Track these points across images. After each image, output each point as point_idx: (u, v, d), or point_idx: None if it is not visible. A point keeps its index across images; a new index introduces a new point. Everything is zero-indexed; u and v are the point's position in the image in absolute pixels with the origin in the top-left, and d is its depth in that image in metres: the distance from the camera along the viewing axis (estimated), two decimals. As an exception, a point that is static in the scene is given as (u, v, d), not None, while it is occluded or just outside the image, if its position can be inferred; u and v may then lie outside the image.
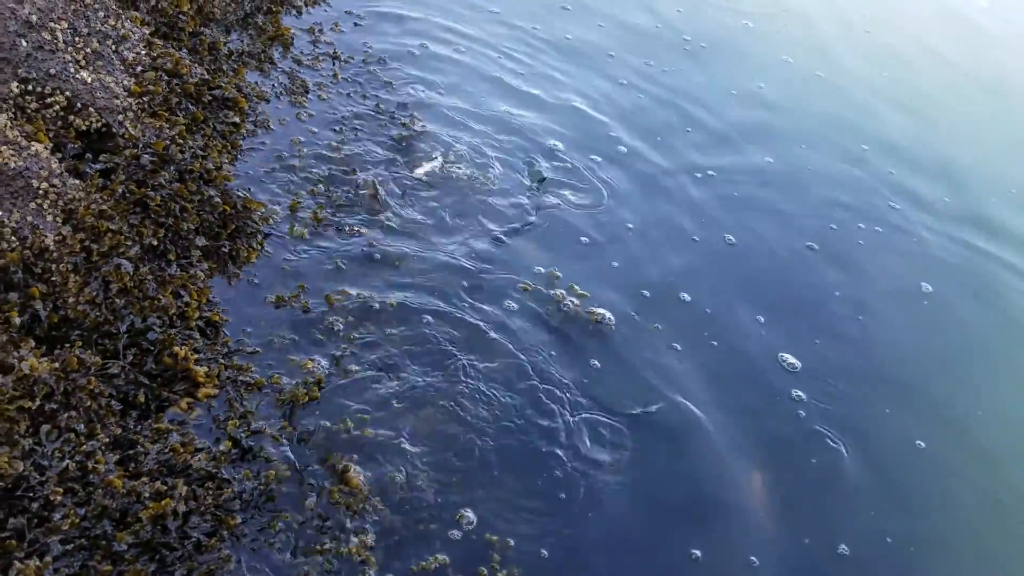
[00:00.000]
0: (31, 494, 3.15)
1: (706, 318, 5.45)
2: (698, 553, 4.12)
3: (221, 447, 3.80)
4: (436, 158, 5.99)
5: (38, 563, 2.97)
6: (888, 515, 4.52)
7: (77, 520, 3.18)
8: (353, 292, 4.84)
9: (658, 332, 5.21)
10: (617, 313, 5.23)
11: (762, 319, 5.53)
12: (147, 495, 3.38)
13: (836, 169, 7.44)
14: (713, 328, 5.37)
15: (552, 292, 5.25)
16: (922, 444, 4.99)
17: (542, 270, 5.43)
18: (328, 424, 4.13)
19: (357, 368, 4.45)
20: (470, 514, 3.98)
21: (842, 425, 4.92)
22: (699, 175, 6.85)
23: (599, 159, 6.69)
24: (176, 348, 3.92)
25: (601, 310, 5.18)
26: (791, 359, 5.29)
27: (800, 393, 5.06)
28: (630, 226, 6.07)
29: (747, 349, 5.27)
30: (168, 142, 4.63)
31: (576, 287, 5.32)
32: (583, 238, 5.84)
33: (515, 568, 3.83)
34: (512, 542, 3.93)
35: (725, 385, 4.98)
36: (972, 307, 6.23)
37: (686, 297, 5.58)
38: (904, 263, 6.48)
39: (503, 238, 5.58)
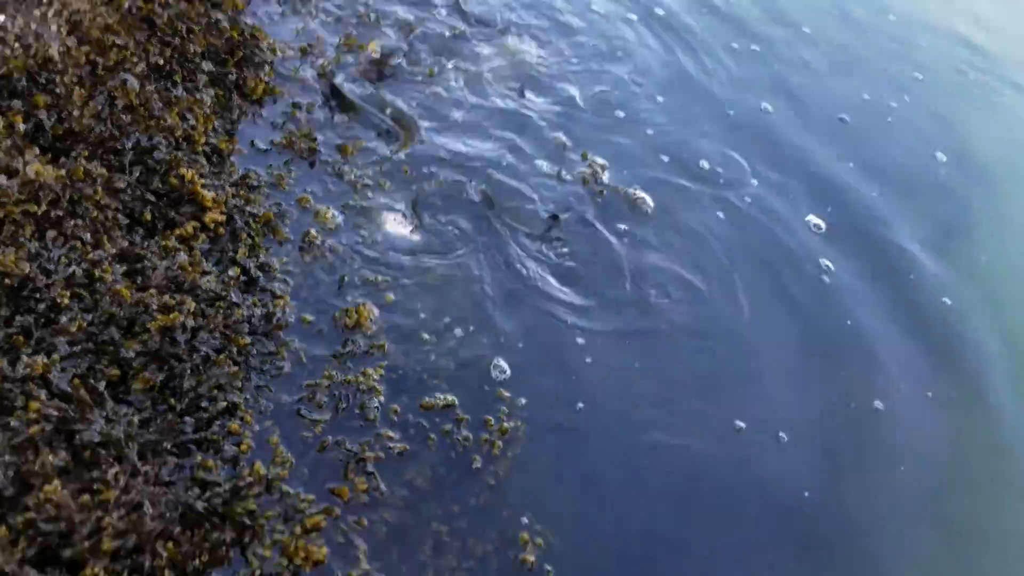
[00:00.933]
0: (37, 295, 3.20)
1: (737, 183, 5.47)
2: (732, 424, 4.17)
3: (230, 272, 3.83)
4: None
5: (45, 360, 3.03)
6: (923, 370, 4.61)
7: (84, 324, 3.24)
8: (368, 144, 4.82)
9: (690, 200, 5.23)
10: (648, 184, 5.22)
11: (792, 184, 5.55)
12: (155, 307, 3.42)
13: (868, 41, 7.37)
14: (744, 191, 5.41)
15: (582, 165, 5.23)
16: (948, 301, 5.04)
17: (563, 139, 5.40)
18: (340, 266, 4.17)
19: (370, 218, 4.46)
20: (489, 364, 4.02)
21: (869, 288, 4.98)
22: (736, 45, 6.76)
23: (634, 18, 6.60)
24: (183, 170, 3.92)
25: (633, 190, 5.16)
26: (816, 220, 5.32)
27: (827, 262, 5.10)
28: (659, 99, 6.02)
29: (776, 211, 5.32)
30: (176, -41, 4.53)
31: (604, 161, 5.29)
32: (617, 111, 5.79)
33: (521, 424, 3.86)
34: (524, 400, 3.96)
35: (753, 246, 5.04)
36: (992, 174, 6.25)
37: (719, 163, 5.60)
38: (925, 133, 6.48)
39: (528, 104, 5.53)
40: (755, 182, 5.54)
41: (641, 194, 5.15)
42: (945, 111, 6.87)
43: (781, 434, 4.13)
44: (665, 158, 5.54)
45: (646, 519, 3.70)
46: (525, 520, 3.51)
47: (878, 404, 4.40)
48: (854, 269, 5.12)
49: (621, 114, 5.81)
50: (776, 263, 5.04)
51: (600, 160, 5.31)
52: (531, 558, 3.40)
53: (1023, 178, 6.30)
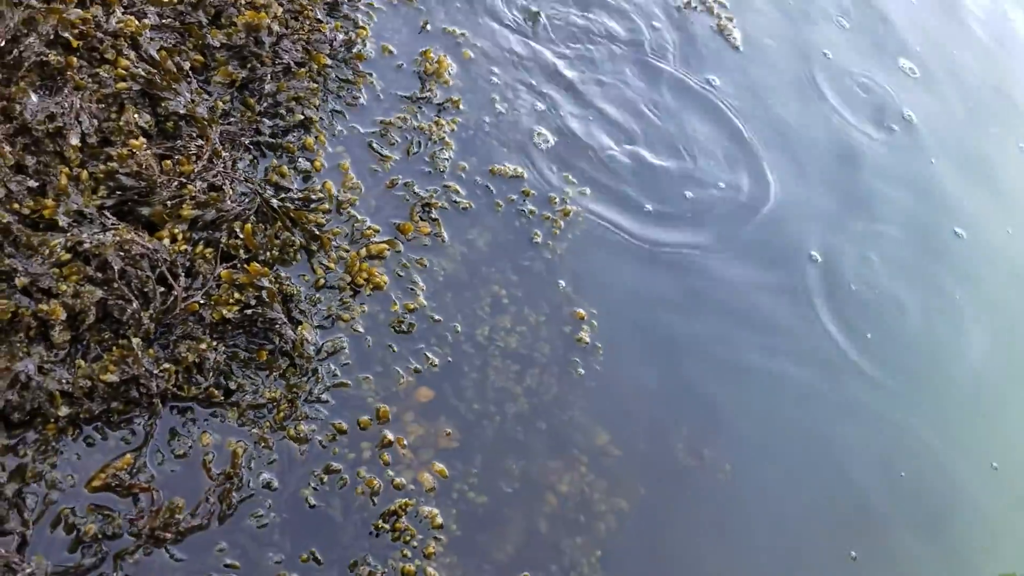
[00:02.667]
0: (131, -43, 3.08)
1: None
2: (807, 254, 4.19)
3: (316, -11, 3.71)
4: None
5: (137, 22, 2.93)
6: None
7: (175, 0, 3.13)
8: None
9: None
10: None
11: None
12: (243, 2, 3.31)
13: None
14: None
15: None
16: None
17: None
18: (425, 14, 4.08)
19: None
20: (545, 132, 3.99)
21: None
22: None
23: None
24: None
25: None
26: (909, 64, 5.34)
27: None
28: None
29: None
30: None
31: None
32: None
33: (585, 189, 3.85)
34: (588, 191, 3.93)
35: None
36: None
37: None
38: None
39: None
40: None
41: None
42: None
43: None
44: None
45: (690, 325, 3.75)
46: (575, 298, 3.53)
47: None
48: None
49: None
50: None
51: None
52: (587, 339, 3.43)
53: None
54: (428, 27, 4.04)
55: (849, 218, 4.46)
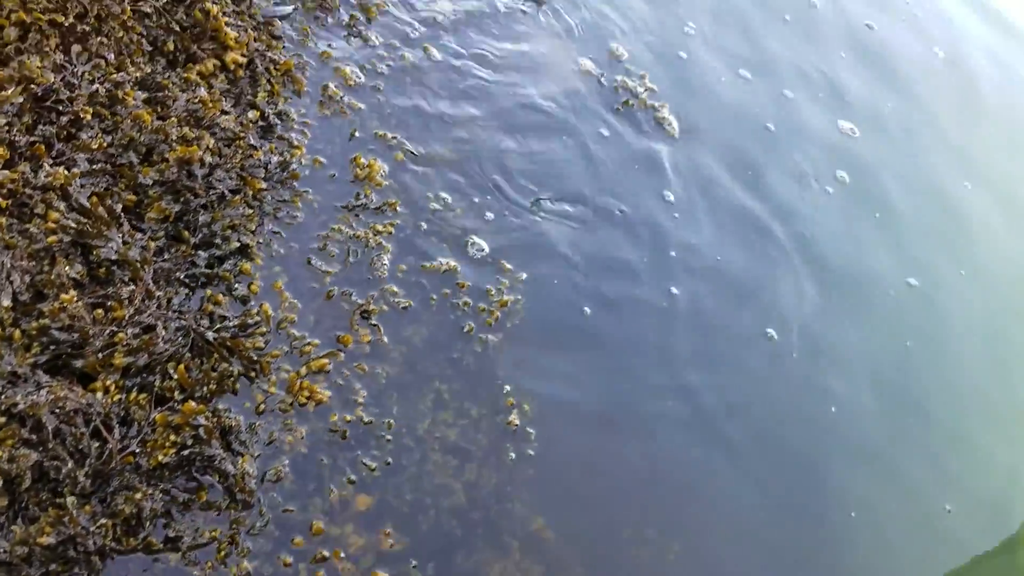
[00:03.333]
0: (60, 108, 3.14)
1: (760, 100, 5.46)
2: (763, 331, 4.24)
3: (249, 115, 3.78)
4: None
5: (67, 172, 2.99)
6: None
7: (104, 144, 3.19)
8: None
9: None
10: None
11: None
12: (174, 138, 3.37)
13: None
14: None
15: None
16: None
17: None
18: (358, 125, 4.13)
19: (389, 69, 4.42)
20: (479, 240, 4.02)
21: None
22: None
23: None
24: (209, 3, 3.81)
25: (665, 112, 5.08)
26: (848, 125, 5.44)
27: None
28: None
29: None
30: None
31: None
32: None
33: (519, 296, 3.88)
34: (525, 275, 3.97)
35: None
36: None
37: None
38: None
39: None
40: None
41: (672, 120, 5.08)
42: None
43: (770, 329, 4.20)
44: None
45: (628, 403, 3.79)
46: (511, 388, 3.56)
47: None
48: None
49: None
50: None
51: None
52: (516, 421, 3.46)
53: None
54: (357, 134, 4.10)
55: (799, 288, 4.51)
